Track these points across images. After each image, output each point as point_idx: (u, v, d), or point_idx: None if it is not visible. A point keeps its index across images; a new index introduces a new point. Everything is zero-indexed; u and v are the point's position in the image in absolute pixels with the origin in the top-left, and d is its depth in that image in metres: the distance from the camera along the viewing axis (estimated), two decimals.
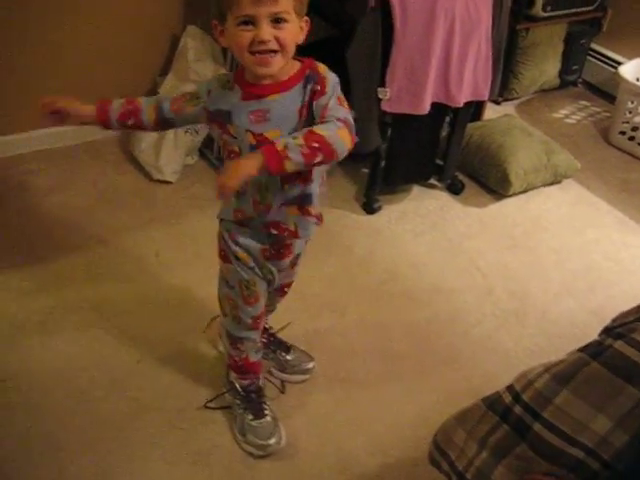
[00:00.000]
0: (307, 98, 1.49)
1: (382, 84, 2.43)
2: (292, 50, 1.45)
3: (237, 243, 1.67)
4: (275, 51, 1.41)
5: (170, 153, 2.74)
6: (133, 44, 2.92)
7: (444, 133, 2.88)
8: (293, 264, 1.83)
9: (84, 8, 2.75)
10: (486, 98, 2.67)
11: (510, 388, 1.41)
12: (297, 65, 1.52)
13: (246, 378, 1.90)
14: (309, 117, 1.49)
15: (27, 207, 2.64)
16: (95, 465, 1.81)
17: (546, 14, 3.40)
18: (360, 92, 2.46)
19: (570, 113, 3.65)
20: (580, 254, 2.68)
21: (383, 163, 2.72)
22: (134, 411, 1.95)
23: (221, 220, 1.71)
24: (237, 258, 1.69)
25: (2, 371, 2.02)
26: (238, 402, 1.91)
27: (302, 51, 2.88)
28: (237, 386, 1.91)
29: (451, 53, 2.41)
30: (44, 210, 2.64)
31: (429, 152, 2.82)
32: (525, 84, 3.64)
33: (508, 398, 1.39)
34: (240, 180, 1.40)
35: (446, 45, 2.39)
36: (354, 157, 2.99)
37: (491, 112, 3.37)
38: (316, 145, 1.41)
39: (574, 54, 3.72)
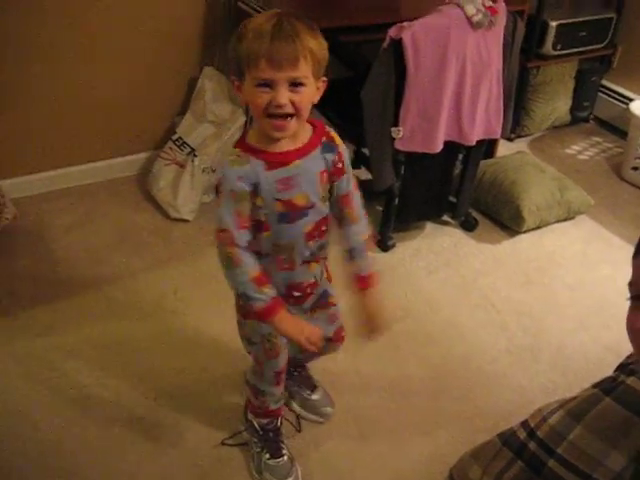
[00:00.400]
0: (328, 167, 1.56)
1: (395, 123, 2.48)
2: (307, 112, 1.46)
3: None
4: (291, 115, 1.43)
5: (187, 192, 2.80)
6: (152, 85, 3.00)
7: (457, 170, 2.92)
8: (324, 306, 1.82)
9: (103, 50, 2.84)
10: (498, 136, 2.72)
11: (525, 424, 1.42)
12: (309, 127, 1.55)
13: (270, 418, 1.92)
14: (329, 181, 1.58)
15: (47, 245, 2.70)
16: None
17: (556, 52, 3.46)
18: (374, 131, 2.51)
19: (582, 149, 3.68)
20: (594, 290, 2.69)
21: (397, 201, 2.76)
22: (152, 448, 1.96)
23: None
24: None
25: (21, 400, 2.06)
26: (255, 440, 1.93)
27: None
28: (255, 424, 1.92)
29: (463, 93, 2.45)
30: (64, 248, 2.69)
31: (442, 189, 2.86)
32: (537, 121, 3.69)
33: (523, 434, 1.40)
34: None
35: (458, 85, 2.44)
36: (368, 195, 3.05)
37: (504, 149, 3.42)
38: None
39: (585, 91, 3.77)
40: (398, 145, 2.52)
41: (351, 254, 1.67)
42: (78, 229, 2.79)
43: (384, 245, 2.80)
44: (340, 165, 1.58)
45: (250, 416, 1.93)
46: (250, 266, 1.50)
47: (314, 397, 2.08)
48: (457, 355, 2.36)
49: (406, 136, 2.49)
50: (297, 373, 2.08)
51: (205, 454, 1.96)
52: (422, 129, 2.48)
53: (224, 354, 2.19)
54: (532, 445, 1.38)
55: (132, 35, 2.86)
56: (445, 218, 3.00)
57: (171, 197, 2.82)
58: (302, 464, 1.94)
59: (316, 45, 1.40)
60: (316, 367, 2.19)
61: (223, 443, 1.98)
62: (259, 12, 2.73)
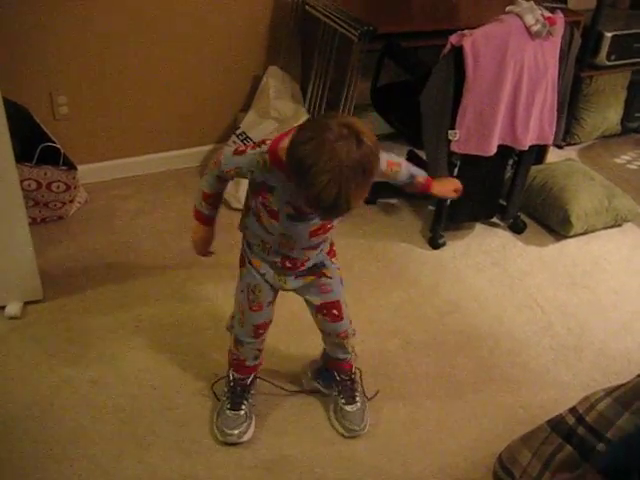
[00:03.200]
0: None
1: (452, 126, 2.58)
2: None
3: (253, 251, 1.87)
4: None
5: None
6: (218, 81, 3.16)
7: (508, 174, 3.01)
8: (318, 276, 1.92)
9: (174, 48, 3.01)
10: (551, 142, 2.80)
11: (573, 410, 1.52)
12: None
13: (239, 372, 2.07)
14: None
15: (115, 229, 2.87)
16: (180, 466, 1.96)
17: (610, 63, 3.52)
18: (430, 133, 2.62)
19: (631, 159, 3.74)
20: (638, 296, 2.76)
21: (449, 201, 2.86)
22: (206, 420, 2.10)
23: (245, 230, 1.89)
24: (250, 262, 1.88)
25: (93, 370, 2.22)
26: (225, 389, 2.10)
27: (377, 93, 3.06)
28: (230, 375, 2.08)
29: (519, 99, 2.55)
30: (131, 232, 2.86)
31: (493, 192, 2.96)
32: (587, 130, 3.76)
33: (571, 420, 1.50)
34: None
35: (514, 92, 2.53)
36: (421, 194, 3.16)
37: (554, 156, 3.50)
38: None
39: (637, 102, 3.84)
40: (454, 147, 2.62)
41: (410, 178, 1.91)
42: (144, 215, 2.96)
43: (435, 243, 2.91)
44: None
45: (230, 369, 2.08)
46: (210, 187, 1.80)
47: (346, 408, 2.11)
48: (503, 350, 2.46)
49: (462, 139, 2.59)
50: (340, 379, 2.14)
51: (261, 427, 2.09)
52: (477, 132, 2.58)
53: (283, 334, 2.33)
54: (581, 430, 1.49)
55: (202, 32, 3.02)
56: (495, 220, 3.10)
57: (233, 188, 2.96)
58: (354, 444, 2.07)
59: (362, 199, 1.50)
60: (369, 354, 2.31)
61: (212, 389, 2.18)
62: (326, 16, 2.85)
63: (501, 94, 2.51)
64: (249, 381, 2.09)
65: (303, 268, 1.87)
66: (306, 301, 1.99)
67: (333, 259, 1.95)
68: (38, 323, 2.38)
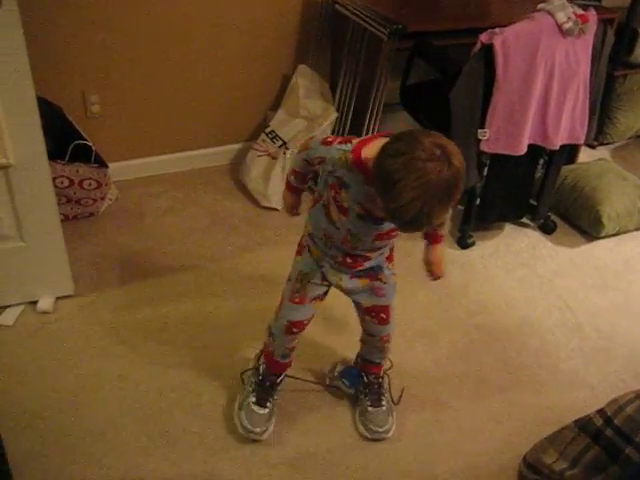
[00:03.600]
0: None
1: (482, 125, 2.56)
2: None
3: (315, 243, 1.86)
4: None
5: (278, 182, 2.95)
6: (247, 80, 3.17)
7: (539, 174, 2.98)
8: (373, 279, 1.93)
9: (203, 46, 3.02)
10: (582, 142, 2.77)
11: (601, 412, 1.50)
12: None
13: (269, 364, 2.05)
14: None
15: (145, 226, 2.90)
16: (205, 462, 1.98)
17: None
18: (460, 131, 2.60)
19: None
20: None
21: (478, 200, 2.84)
22: (232, 418, 2.10)
23: (309, 220, 1.89)
24: (310, 251, 1.88)
25: (123, 366, 2.24)
26: (253, 381, 2.09)
27: (407, 92, 3.05)
28: (260, 368, 2.08)
29: (550, 98, 2.52)
30: (160, 229, 2.88)
31: (523, 192, 2.93)
32: (621, 129, 3.71)
33: (599, 421, 1.49)
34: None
35: (545, 90, 2.51)
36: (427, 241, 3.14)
37: (586, 156, 3.46)
38: None
39: None
40: (483, 147, 2.60)
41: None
42: (174, 213, 2.99)
43: (464, 243, 2.89)
44: None
45: (261, 360, 2.08)
46: (298, 166, 1.83)
47: (371, 411, 2.09)
48: (531, 351, 2.44)
49: (491, 138, 2.58)
50: (368, 381, 2.14)
51: (287, 426, 2.10)
52: (507, 132, 2.56)
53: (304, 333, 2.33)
54: (609, 432, 1.47)
55: (231, 31, 3.03)
56: (524, 220, 3.08)
57: (262, 187, 2.97)
58: (378, 444, 2.06)
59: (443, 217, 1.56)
60: (396, 356, 2.30)
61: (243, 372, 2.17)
62: (355, 14, 2.85)
63: (532, 93, 2.49)
64: (280, 379, 2.09)
65: (361, 268, 1.87)
66: (355, 302, 1.98)
67: (390, 264, 1.95)
68: (69, 318, 2.42)
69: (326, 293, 1.94)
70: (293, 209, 1.98)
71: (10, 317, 2.39)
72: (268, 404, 2.06)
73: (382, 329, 2.03)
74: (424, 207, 1.40)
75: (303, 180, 1.88)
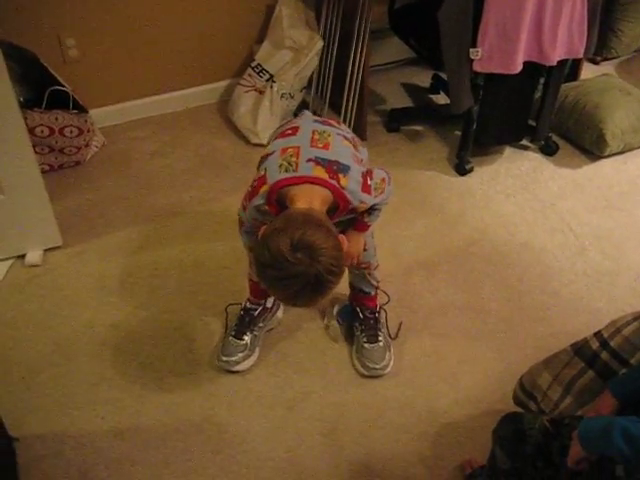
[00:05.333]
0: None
1: (474, 44, 2.44)
2: None
3: None
4: None
5: (266, 118, 2.85)
6: (230, 14, 3.03)
7: (538, 94, 2.85)
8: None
9: None
10: (581, 56, 2.63)
11: (598, 335, 1.44)
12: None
13: (252, 302, 2.08)
14: None
15: (133, 171, 2.82)
16: (201, 406, 1.95)
17: None
18: (451, 53, 2.48)
19: None
20: None
21: (475, 125, 2.73)
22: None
23: None
24: None
25: (115, 314, 2.20)
26: (236, 316, 2.11)
27: (395, 14, 2.92)
28: (242, 304, 2.10)
29: (544, 9, 2.38)
30: (149, 173, 2.81)
31: (522, 113, 2.81)
32: (625, 42, 3.53)
33: (595, 344, 1.43)
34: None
35: (539, 2, 2.36)
36: (446, 119, 3.04)
37: (588, 72, 3.31)
38: None
39: None
40: (476, 67, 2.48)
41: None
42: (162, 155, 2.90)
43: (462, 169, 2.79)
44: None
45: (245, 300, 2.11)
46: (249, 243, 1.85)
47: (367, 347, 2.05)
48: (533, 277, 2.36)
49: (484, 57, 2.45)
50: (363, 316, 2.09)
51: (283, 367, 2.07)
52: (501, 49, 2.43)
53: None
54: (604, 355, 1.41)
55: None
56: (525, 143, 2.96)
57: (251, 123, 2.88)
58: (376, 379, 2.03)
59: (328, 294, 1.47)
60: (393, 287, 2.25)
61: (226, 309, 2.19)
62: None
63: (524, 5, 2.34)
64: (257, 313, 2.08)
65: None
66: None
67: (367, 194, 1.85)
68: (58, 269, 2.37)
69: None
70: None
71: None
72: (245, 337, 2.06)
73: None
74: (296, 304, 1.51)
75: None
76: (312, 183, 1.54)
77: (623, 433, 1.11)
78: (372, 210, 1.75)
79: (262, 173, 1.60)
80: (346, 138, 1.74)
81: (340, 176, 1.57)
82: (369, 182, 1.63)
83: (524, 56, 2.48)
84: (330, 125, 1.75)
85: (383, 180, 1.71)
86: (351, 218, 1.77)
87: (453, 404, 1.97)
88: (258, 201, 1.59)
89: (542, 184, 2.77)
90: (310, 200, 1.51)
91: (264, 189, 1.56)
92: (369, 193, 1.63)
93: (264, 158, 1.66)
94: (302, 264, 1.38)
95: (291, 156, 1.58)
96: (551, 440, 1.42)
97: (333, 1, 2.86)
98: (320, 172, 1.55)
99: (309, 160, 1.57)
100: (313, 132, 1.67)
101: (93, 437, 1.88)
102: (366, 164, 1.75)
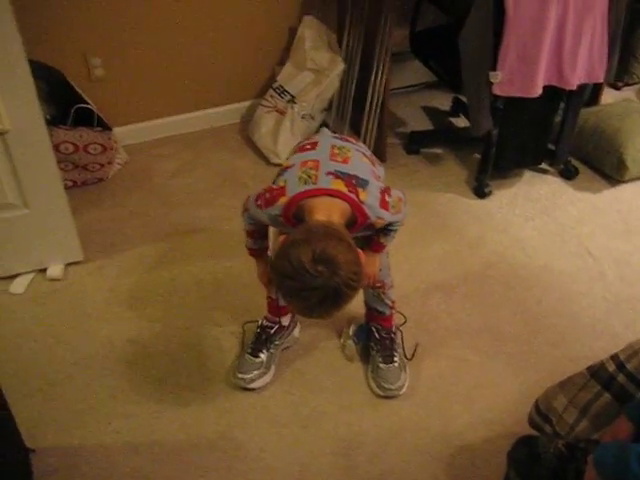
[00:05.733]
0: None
1: (493, 68, 2.45)
2: None
3: None
4: None
5: (287, 138, 2.88)
6: (253, 35, 3.08)
7: (558, 119, 2.85)
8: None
9: (209, 4, 2.93)
10: (601, 80, 2.63)
11: (614, 357, 1.43)
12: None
13: (269, 320, 2.09)
14: None
15: (155, 189, 2.86)
16: (217, 423, 1.96)
17: None
18: (471, 76, 2.50)
19: None
20: None
21: (494, 148, 2.74)
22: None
23: None
24: None
25: (133, 330, 2.22)
26: (253, 334, 2.12)
27: (416, 38, 2.94)
28: (260, 321, 2.11)
29: (564, 33, 2.39)
30: (170, 191, 2.84)
31: (541, 137, 2.82)
32: None
33: (612, 367, 1.42)
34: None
35: (559, 25, 2.37)
36: (465, 142, 3.05)
37: (609, 97, 3.32)
38: None
39: None
40: (496, 90, 2.49)
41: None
42: (183, 174, 2.94)
43: (481, 192, 2.80)
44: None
45: (264, 315, 2.12)
46: (248, 225, 1.84)
47: (383, 367, 2.05)
48: (551, 301, 2.35)
49: (504, 80, 2.46)
50: (379, 336, 2.09)
51: (299, 385, 2.07)
52: (521, 73, 2.44)
53: None
54: (621, 378, 1.40)
55: None
56: (544, 166, 2.96)
57: (271, 143, 2.91)
58: (391, 399, 2.02)
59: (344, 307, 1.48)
60: (410, 309, 2.24)
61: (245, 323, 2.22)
62: None
63: (545, 29, 2.36)
64: (273, 331, 2.08)
65: None
66: None
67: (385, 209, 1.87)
68: (78, 284, 2.40)
69: None
70: (264, 278, 1.94)
71: (20, 285, 2.38)
72: (261, 354, 2.06)
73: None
74: (312, 315, 1.51)
75: (260, 236, 1.84)
76: (331, 196, 1.55)
77: None
78: (388, 231, 1.76)
79: (281, 184, 1.61)
80: (365, 155, 1.76)
81: (359, 190, 1.58)
82: (387, 199, 1.64)
83: (544, 80, 2.49)
84: (349, 142, 1.77)
85: (400, 200, 1.72)
86: (366, 237, 1.78)
87: (468, 426, 1.96)
88: (274, 211, 1.61)
89: (561, 208, 2.77)
90: (329, 213, 1.52)
91: (282, 200, 1.58)
92: (387, 210, 1.64)
93: (283, 170, 1.69)
94: (322, 277, 1.39)
95: (310, 169, 1.60)
96: (566, 464, 1.41)
97: (355, 24, 2.89)
98: (339, 185, 1.57)
99: (329, 173, 1.59)
100: (332, 147, 1.69)
101: (108, 451, 1.89)
102: (383, 182, 1.76)
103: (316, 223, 1.50)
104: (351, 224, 1.58)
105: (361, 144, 1.87)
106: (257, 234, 1.82)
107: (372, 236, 1.79)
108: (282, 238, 1.50)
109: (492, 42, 2.41)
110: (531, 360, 2.15)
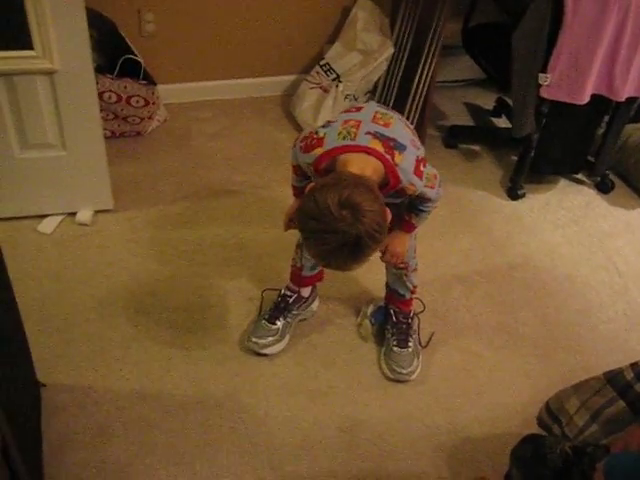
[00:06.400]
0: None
1: (544, 70, 2.43)
2: None
3: None
4: None
5: (328, 116, 2.87)
6: (306, 11, 3.08)
7: (602, 131, 2.83)
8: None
9: None
10: None
11: (634, 366, 1.42)
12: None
13: (290, 289, 2.10)
14: None
15: (191, 149, 2.87)
16: (225, 383, 1.97)
17: None
18: (520, 76, 2.48)
19: None
20: None
21: (533, 152, 2.72)
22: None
23: None
24: None
25: (153, 282, 2.24)
26: (272, 302, 2.13)
27: (469, 33, 2.92)
28: (281, 290, 2.12)
29: (620, 44, 2.37)
30: (206, 154, 2.86)
31: (582, 146, 2.79)
32: None
33: (630, 375, 1.41)
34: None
35: (616, 35, 2.35)
36: (504, 142, 3.03)
37: None
38: None
39: None
40: (543, 93, 2.47)
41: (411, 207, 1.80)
42: (221, 138, 2.95)
43: (514, 193, 2.78)
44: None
45: (287, 283, 2.13)
46: (295, 159, 1.80)
47: (396, 350, 2.05)
48: (572, 310, 2.34)
49: (553, 84, 2.44)
50: (396, 320, 2.09)
51: (311, 357, 2.08)
52: (570, 78, 2.42)
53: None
54: (638, 387, 1.39)
55: None
56: (581, 177, 2.94)
57: (312, 118, 2.91)
58: (402, 385, 2.03)
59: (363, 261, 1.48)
60: (429, 299, 2.24)
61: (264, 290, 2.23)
62: None
63: (601, 38, 2.33)
64: (292, 300, 2.09)
65: None
66: None
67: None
68: (105, 231, 2.43)
69: None
70: (288, 215, 1.93)
71: (49, 226, 2.41)
72: (277, 322, 2.08)
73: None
74: (329, 263, 1.49)
75: (302, 173, 1.80)
76: (367, 153, 1.55)
77: None
78: (420, 211, 1.77)
79: (321, 135, 1.61)
80: (407, 126, 1.76)
81: (396, 153, 1.58)
82: (422, 168, 1.65)
83: (593, 88, 2.47)
84: (394, 112, 1.78)
85: (435, 176, 1.72)
86: (399, 215, 1.78)
87: (474, 421, 1.96)
88: (307, 159, 1.63)
89: (593, 220, 2.74)
90: (363, 168, 1.53)
91: (318, 151, 1.59)
92: (420, 178, 1.64)
93: (327, 123, 1.69)
94: (345, 221, 1.39)
95: (352, 127, 1.61)
96: (571, 467, 1.40)
97: (409, 11, 2.88)
98: (377, 145, 1.57)
99: (368, 133, 1.59)
100: (376, 112, 1.69)
101: (116, 395, 1.91)
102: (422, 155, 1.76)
103: (348, 173, 1.51)
104: (383, 185, 1.58)
105: (405, 119, 1.87)
106: (300, 171, 1.80)
107: (404, 215, 1.79)
108: (311, 184, 1.51)
109: (546, 44, 2.39)
110: (545, 364, 2.14)
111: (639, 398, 1.37)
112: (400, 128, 1.69)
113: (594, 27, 2.31)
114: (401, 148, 1.60)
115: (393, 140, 1.60)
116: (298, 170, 1.80)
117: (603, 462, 1.20)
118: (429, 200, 1.74)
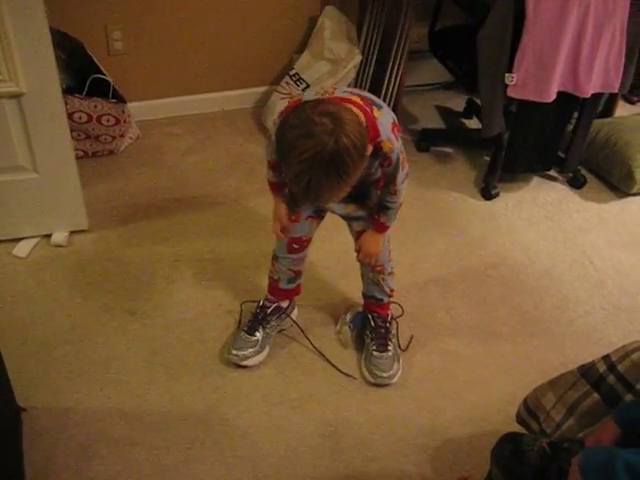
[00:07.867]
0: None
1: (509, 70, 2.46)
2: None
3: None
4: None
5: None
6: (273, 22, 3.09)
7: (571, 127, 2.86)
8: (361, 206, 1.88)
9: None
10: (616, 91, 2.63)
11: (606, 358, 1.44)
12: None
13: (268, 300, 2.11)
14: None
15: (165, 166, 2.87)
16: (206, 398, 1.97)
17: None
18: (487, 76, 2.51)
19: None
20: None
21: (504, 151, 2.74)
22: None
23: None
24: None
25: (130, 300, 2.24)
26: (250, 314, 2.14)
27: (435, 37, 2.95)
28: (260, 301, 2.13)
29: (582, 41, 2.40)
30: (180, 169, 2.86)
31: (552, 143, 2.82)
32: None
33: (602, 367, 1.43)
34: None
35: (578, 32, 2.38)
36: (476, 143, 3.05)
37: (624, 111, 3.32)
38: None
39: None
40: (510, 92, 2.50)
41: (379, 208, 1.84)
42: (194, 153, 2.96)
43: (488, 193, 2.80)
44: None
45: (263, 297, 2.14)
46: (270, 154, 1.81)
47: (375, 354, 2.06)
48: (549, 306, 2.36)
49: (519, 83, 2.47)
50: (374, 324, 2.10)
51: (293, 366, 2.09)
52: (536, 77, 2.45)
53: (321, 276, 2.31)
54: (611, 379, 1.41)
55: None
56: (553, 174, 2.97)
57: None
58: (384, 389, 2.03)
59: (344, 187, 1.49)
60: (407, 302, 2.25)
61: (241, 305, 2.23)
62: None
63: (563, 35, 2.36)
64: (270, 310, 2.10)
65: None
66: (349, 227, 1.96)
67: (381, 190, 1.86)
68: (81, 252, 2.42)
69: (321, 212, 1.92)
70: (282, 219, 1.88)
71: (24, 249, 2.40)
72: (257, 333, 2.08)
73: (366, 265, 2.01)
74: (311, 181, 1.42)
75: (280, 168, 1.73)
76: (347, 102, 1.55)
77: (627, 468, 1.10)
78: (386, 208, 1.80)
79: (299, 97, 1.62)
80: None
81: (374, 108, 1.59)
82: (396, 132, 1.66)
83: (559, 86, 2.49)
84: None
85: (405, 158, 1.72)
86: (366, 217, 1.83)
87: (456, 421, 1.97)
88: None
89: (567, 215, 2.77)
90: None
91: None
92: (396, 139, 1.65)
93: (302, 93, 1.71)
94: (325, 127, 1.39)
95: (328, 89, 1.62)
96: (548, 463, 1.41)
97: (375, 18, 2.91)
98: (356, 98, 1.58)
99: (345, 91, 1.62)
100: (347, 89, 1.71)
101: (97, 415, 1.90)
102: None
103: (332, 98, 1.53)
104: None
105: None
106: (278, 166, 1.75)
107: (373, 215, 1.83)
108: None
109: (510, 44, 2.42)
110: (524, 362, 2.15)
111: (612, 390, 1.39)
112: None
113: (556, 25, 2.34)
114: (379, 106, 1.62)
115: (370, 99, 1.62)
116: (276, 166, 1.77)
117: (577, 457, 1.21)
118: (396, 190, 1.75)
